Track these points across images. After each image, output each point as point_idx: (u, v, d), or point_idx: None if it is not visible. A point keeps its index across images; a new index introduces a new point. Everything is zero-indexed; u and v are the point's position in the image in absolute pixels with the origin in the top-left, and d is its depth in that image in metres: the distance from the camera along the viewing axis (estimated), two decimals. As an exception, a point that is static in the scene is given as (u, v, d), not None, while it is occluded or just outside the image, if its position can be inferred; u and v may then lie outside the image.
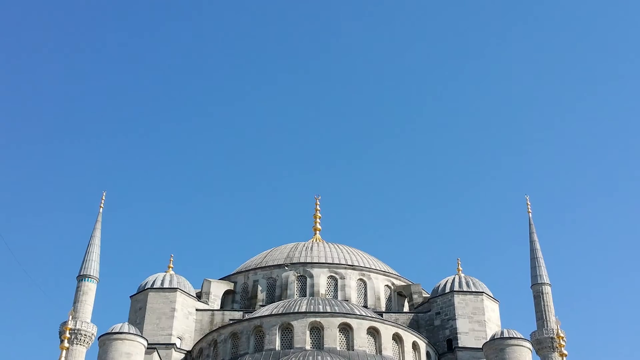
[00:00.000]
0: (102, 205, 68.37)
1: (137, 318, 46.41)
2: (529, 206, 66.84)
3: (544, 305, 63.33)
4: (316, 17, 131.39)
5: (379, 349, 42.32)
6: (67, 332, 48.21)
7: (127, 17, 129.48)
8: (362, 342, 42.05)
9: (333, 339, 41.67)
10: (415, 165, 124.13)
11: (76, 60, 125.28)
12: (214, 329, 45.88)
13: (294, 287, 49.10)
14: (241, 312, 47.81)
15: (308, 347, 41.25)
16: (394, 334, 43.38)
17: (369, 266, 51.36)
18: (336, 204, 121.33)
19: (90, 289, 65.07)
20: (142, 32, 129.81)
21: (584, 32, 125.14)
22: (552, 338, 59.50)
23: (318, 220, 57.55)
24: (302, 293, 48.77)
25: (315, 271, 49.64)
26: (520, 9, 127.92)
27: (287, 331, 42.31)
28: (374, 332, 42.86)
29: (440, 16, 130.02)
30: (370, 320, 43.38)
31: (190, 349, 46.07)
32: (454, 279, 48.94)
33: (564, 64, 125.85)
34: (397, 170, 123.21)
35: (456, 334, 45.88)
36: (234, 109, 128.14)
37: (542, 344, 61.18)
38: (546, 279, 64.43)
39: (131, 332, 38.73)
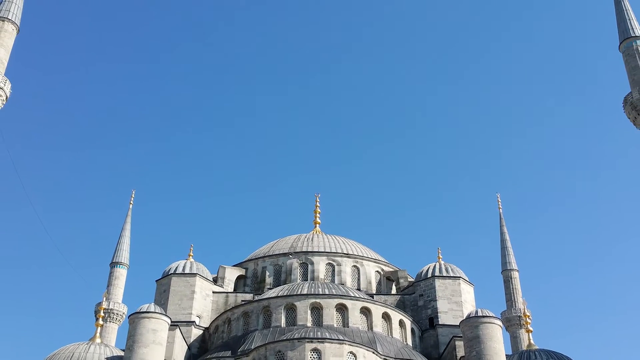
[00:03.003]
0: (131, 202, 68.76)
1: (161, 299, 46.30)
2: (499, 203, 67.28)
3: (512, 288, 63.70)
4: (319, 35, 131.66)
5: (370, 326, 42.24)
6: (102, 311, 48.46)
7: (151, 40, 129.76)
8: (356, 320, 41.99)
9: (331, 317, 41.59)
10: (403, 168, 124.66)
11: (108, 77, 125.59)
12: (228, 308, 45.76)
13: (297, 273, 49.01)
14: (251, 294, 47.69)
15: (309, 324, 41.15)
16: (383, 313, 43.32)
17: (361, 254, 51.25)
18: (334, 200, 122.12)
19: (121, 274, 65.37)
20: (164, 53, 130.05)
21: (552, 51, 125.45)
22: (519, 316, 59.88)
23: (318, 214, 57.43)
24: (304, 278, 48.68)
25: (315, 259, 49.53)
26: (495, 30, 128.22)
27: (291, 310, 42.24)
28: (366, 312, 42.77)
29: (424, 40, 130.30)
30: (363, 301, 43.30)
31: (207, 326, 45.97)
32: (435, 265, 48.82)
33: (533, 79, 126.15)
34: (387, 172, 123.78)
35: (437, 313, 45.74)
36: (245, 119, 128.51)
37: (511, 321, 61.55)
38: (514, 266, 64.79)
39: (157, 311, 38.62)
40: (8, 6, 45.79)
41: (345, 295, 43.08)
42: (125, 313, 62.91)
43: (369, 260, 50.97)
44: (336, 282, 48.22)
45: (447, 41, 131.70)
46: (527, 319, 45.61)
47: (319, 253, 50.02)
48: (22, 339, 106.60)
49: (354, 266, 50.05)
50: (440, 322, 45.20)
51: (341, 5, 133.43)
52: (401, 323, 43.96)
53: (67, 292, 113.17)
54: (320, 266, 49.20)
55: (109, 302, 62.03)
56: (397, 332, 43.20)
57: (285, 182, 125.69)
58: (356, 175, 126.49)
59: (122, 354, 37.87)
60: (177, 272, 47.41)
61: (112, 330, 61.82)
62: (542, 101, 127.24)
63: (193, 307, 45.81)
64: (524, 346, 46.83)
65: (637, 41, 47.86)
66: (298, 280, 48.11)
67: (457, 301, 46.19)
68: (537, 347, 40.81)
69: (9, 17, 45.27)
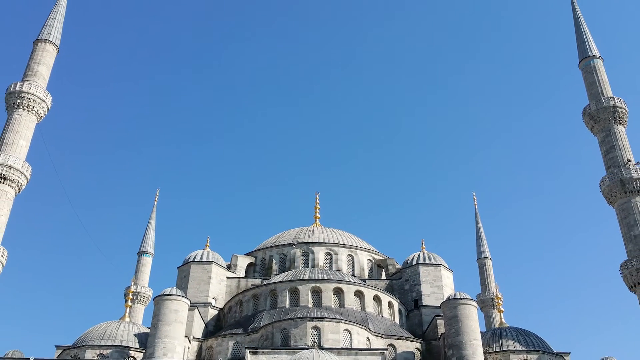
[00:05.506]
0: (156, 199, 69.17)
1: (182, 284, 46.57)
2: (475, 200, 67.68)
3: (486, 274, 64.11)
4: (318, 49, 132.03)
5: (363, 307, 42.56)
6: (130, 294, 48.80)
7: (171, 57, 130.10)
8: (351, 301, 42.32)
9: (329, 299, 41.94)
10: (392, 169, 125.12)
11: (138, 89, 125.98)
12: (240, 292, 46.02)
13: (300, 261, 49.23)
14: (260, 279, 47.95)
15: (310, 305, 41.52)
16: (374, 296, 43.62)
17: (355, 245, 51.44)
18: (332, 197, 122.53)
19: (147, 262, 65.77)
20: (182, 68, 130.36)
21: (520, 67, 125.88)
22: (492, 299, 60.32)
23: (318, 210, 57.47)
24: (306, 265, 48.90)
25: (315, 249, 49.72)
26: (471, 46, 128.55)
27: (294, 293, 42.58)
28: (359, 294, 43.07)
29: (409, 57, 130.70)
30: (357, 285, 43.57)
31: (222, 306, 46.23)
32: (419, 254, 48.89)
33: (504, 93, 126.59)
34: (378, 172, 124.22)
35: (421, 295, 45.90)
36: (254, 126, 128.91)
37: (485, 303, 61.96)
38: (488, 255, 65.19)
39: (178, 294, 38.86)
40: (49, 30, 46.34)
41: (341, 280, 43.41)
42: (151, 296, 63.25)
43: (362, 250, 51.18)
44: (333, 268, 48.49)
45: (429, 57, 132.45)
46: (499, 300, 45.99)
47: (318, 243, 50.23)
48: (63, 317, 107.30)
49: (349, 255, 50.27)
50: (423, 304, 45.42)
51: (342, 20, 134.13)
52: (390, 304, 44.29)
53: (100, 277, 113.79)
54: (320, 255, 49.44)
55: (137, 286, 62.43)
56: (386, 312, 43.55)
57: (289, 182, 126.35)
58: (351, 176, 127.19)
59: (148, 331, 38.23)
60: (195, 260, 47.69)
61: (139, 311, 62.23)
62: (512, 111, 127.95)
63: (209, 291, 46.06)
64: (497, 324, 47.16)
65: (594, 60, 48.36)
66: (300, 267, 48.38)
67: (439, 285, 46.33)
68: (507, 325, 41.14)
69: (50, 39, 45.78)
